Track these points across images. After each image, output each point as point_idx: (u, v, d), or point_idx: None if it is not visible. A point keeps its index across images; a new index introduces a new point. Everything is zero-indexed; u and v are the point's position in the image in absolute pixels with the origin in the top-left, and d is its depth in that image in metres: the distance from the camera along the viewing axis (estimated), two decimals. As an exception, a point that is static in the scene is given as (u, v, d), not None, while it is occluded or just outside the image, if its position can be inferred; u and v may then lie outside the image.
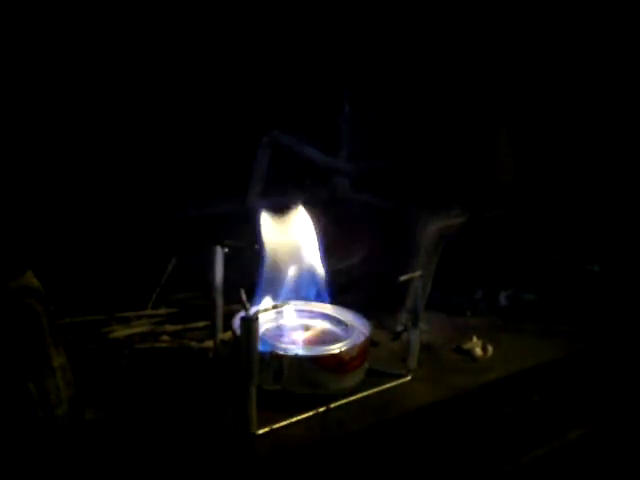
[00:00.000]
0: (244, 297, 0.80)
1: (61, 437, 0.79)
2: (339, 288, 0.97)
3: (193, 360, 0.96)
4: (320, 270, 0.96)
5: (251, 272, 0.93)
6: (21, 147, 1.05)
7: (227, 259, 0.94)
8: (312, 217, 0.96)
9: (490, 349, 1.01)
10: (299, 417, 0.84)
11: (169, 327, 1.02)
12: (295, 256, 0.95)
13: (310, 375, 0.87)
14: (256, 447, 0.80)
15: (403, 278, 0.92)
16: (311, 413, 0.85)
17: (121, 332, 0.99)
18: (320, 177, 1.25)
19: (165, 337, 1.00)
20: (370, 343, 0.92)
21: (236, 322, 0.90)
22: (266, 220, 0.94)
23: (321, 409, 0.86)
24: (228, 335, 0.95)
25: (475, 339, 1.02)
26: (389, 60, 1.24)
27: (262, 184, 1.25)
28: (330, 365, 0.87)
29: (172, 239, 1.12)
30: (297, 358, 0.87)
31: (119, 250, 1.09)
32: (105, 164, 1.11)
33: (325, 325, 0.95)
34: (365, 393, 0.90)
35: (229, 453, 0.80)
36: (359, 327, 0.93)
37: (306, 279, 0.96)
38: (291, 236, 0.96)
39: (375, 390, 0.91)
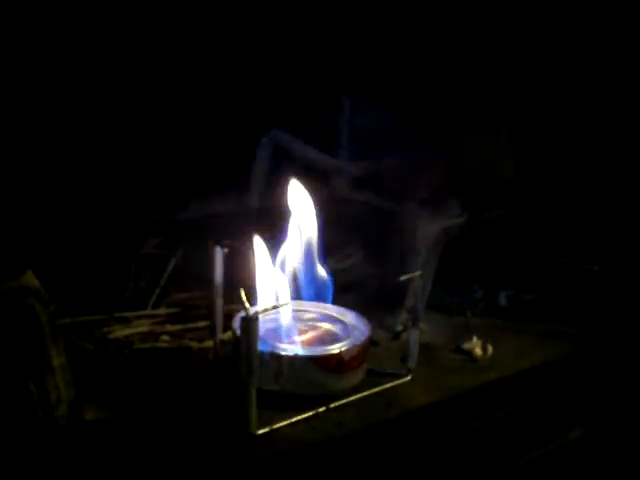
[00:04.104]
0: (244, 297, 0.80)
1: (61, 437, 0.79)
2: (339, 288, 0.97)
3: (193, 360, 0.96)
4: (320, 270, 0.96)
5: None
6: (21, 147, 1.05)
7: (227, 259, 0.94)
8: (312, 216, 0.96)
9: (490, 349, 1.01)
10: (299, 417, 0.84)
11: (169, 327, 1.02)
12: (296, 255, 0.95)
13: (310, 375, 0.86)
14: (256, 447, 0.80)
15: (403, 278, 0.92)
16: (311, 413, 0.85)
17: (121, 332, 0.99)
18: (320, 177, 1.25)
19: (165, 337, 1.00)
20: (370, 343, 0.92)
21: (236, 322, 0.90)
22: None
23: (321, 409, 0.86)
24: (228, 335, 0.95)
25: (475, 339, 1.02)
26: (389, 59, 1.24)
27: (262, 184, 1.25)
28: (330, 365, 0.87)
29: (172, 239, 1.12)
30: (297, 358, 0.87)
31: (119, 250, 1.09)
32: (105, 164, 1.11)
33: (325, 325, 0.95)
34: (365, 393, 0.90)
35: (229, 453, 0.80)
36: (359, 327, 0.93)
37: (306, 279, 0.96)
38: (292, 235, 0.96)
39: (375, 390, 0.90)
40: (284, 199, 0.96)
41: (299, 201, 0.96)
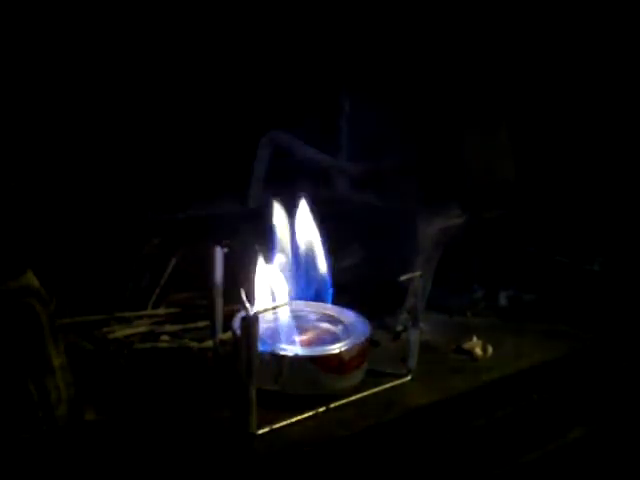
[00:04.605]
0: (244, 297, 0.80)
1: (61, 437, 0.79)
2: (339, 288, 0.97)
3: (193, 360, 0.96)
4: (320, 270, 0.96)
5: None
6: (21, 147, 1.05)
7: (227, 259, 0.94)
8: (313, 217, 0.96)
9: (490, 349, 1.01)
10: (299, 417, 0.84)
11: (169, 327, 1.02)
12: (296, 255, 0.95)
13: (310, 375, 0.86)
14: (256, 447, 0.80)
15: (403, 278, 0.92)
16: (311, 413, 0.85)
17: (121, 332, 0.99)
18: (320, 177, 1.25)
19: (165, 337, 1.00)
20: (370, 343, 0.92)
21: (236, 322, 0.90)
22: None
23: (321, 409, 0.86)
24: (228, 335, 0.95)
25: (475, 339, 1.02)
26: (389, 59, 1.24)
27: (262, 184, 1.25)
28: (330, 365, 0.87)
29: (172, 239, 1.12)
30: (297, 358, 0.87)
31: (119, 250, 1.09)
32: (105, 164, 1.11)
33: (325, 325, 0.95)
34: (365, 393, 0.90)
35: (229, 453, 0.80)
36: (359, 327, 0.93)
37: (306, 279, 0.96)
38: (292, 235, 0.96)
39: (375, 390, 0.90)
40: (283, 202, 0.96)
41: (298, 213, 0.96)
